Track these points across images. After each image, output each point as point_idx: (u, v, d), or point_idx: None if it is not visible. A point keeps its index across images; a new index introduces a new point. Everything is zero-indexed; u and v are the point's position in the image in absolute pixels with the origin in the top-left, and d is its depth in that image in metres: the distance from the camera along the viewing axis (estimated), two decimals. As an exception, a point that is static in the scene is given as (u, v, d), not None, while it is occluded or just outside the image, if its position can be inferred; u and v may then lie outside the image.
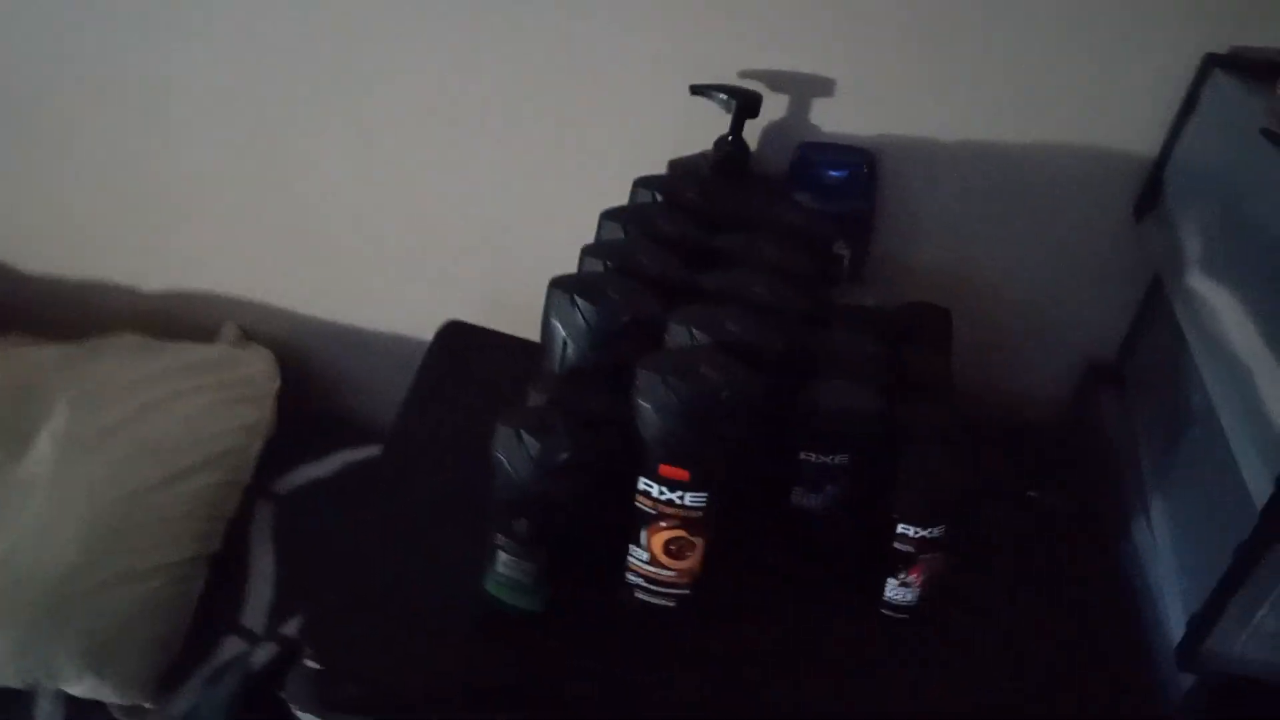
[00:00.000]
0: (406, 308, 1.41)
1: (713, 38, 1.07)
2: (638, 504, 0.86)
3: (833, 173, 1.06)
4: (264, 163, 1.31)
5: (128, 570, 1.09)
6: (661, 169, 1.11)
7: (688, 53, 1.08)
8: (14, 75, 1.29)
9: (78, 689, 1.05)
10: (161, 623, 1.10)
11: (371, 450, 1.35)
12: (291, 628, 1.15)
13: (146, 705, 1.08)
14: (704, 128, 1.08)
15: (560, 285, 0.90)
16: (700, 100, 1.06)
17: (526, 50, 1.13)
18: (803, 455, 0.95)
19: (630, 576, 0.91)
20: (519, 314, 1.28)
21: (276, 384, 1.36)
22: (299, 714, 0.92)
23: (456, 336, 1.24)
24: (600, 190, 1.15)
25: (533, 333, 1.26)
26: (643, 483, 0.84)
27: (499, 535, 0.89)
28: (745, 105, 1.02)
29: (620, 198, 1.06)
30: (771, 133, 1.10)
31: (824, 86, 1.07)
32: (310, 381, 1.46)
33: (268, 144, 1.29)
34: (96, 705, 1.08)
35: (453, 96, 1.20)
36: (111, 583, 1.08)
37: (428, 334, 1.37)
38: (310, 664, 0.89)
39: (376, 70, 1.20)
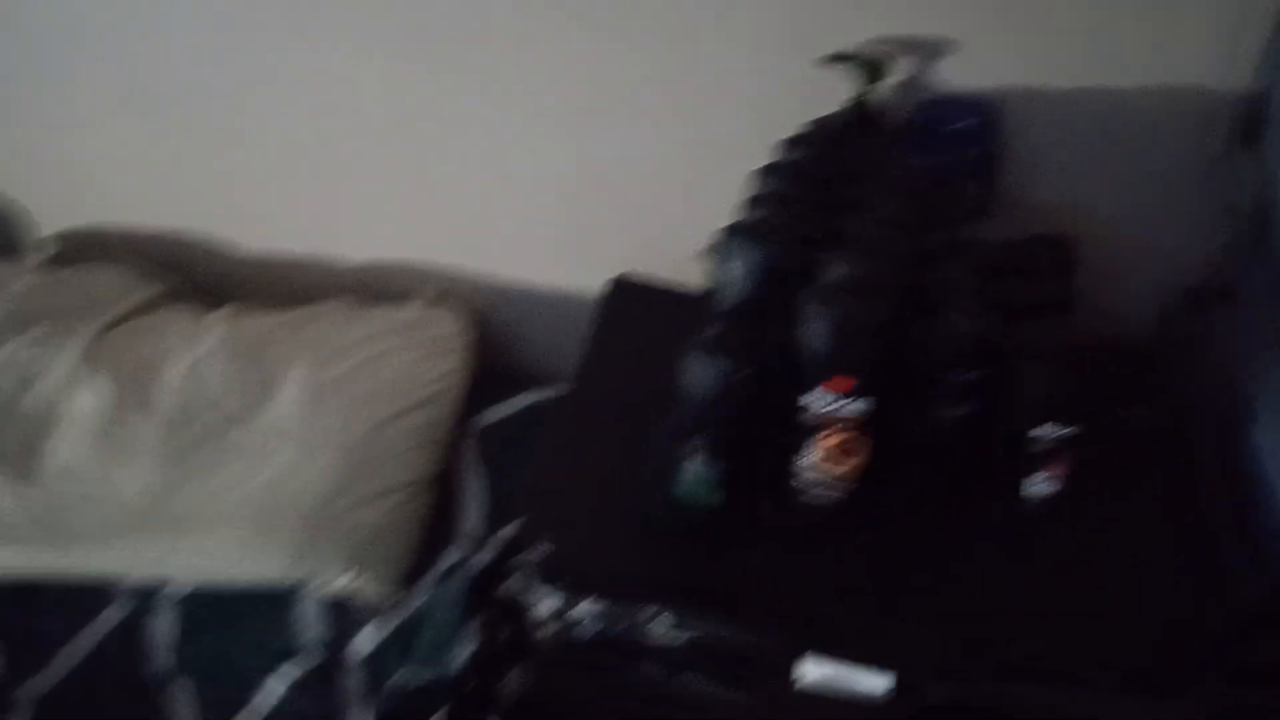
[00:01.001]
0: (570, 267, 1.58)
1: (840, 8, 1.19)
2: (806, 415, 1.03)
3: (958, 123, 1.19)
4: (433, 146, 1.47)
5: (373, 491, 1.32)
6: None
7: (819, 24, 1.20)
8: (221, 77, 1.46)
9: (338, 584, 1.28)
10: (402, 532, 1.33)
11: (551, 391, 1.54)
12: (506, 534, 1.34)
13: (392, 600, 1.30)
14: (836, 91, 1.22)
15: (729, 233, 1.07)
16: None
17: (675, 23, 1.25)
18: (940, 372, 1.10)
19: (797, 480, 1.08)
20: (675, 268, 1.46)
21: (467, 338, 1.56)
22: (529, 595, 1.12)
23: (623, 289, 1.42)
24: (745, 149, 1.31)
25: (690, 282, 1.44)
26: (813, 394, 1.01)
27: (686, 444, 1.07)
28: (874, 69, 1.16)
29: (759, 158, 1.21)
30: (899, 90, 1.22)
31: (945, 47, 1.19)
32: (495, 336, 1.65)
33: (440, 128, 1.44)
34: (343, 604, 1.30)
35: (605, 68, 1.32)
36: (361, 501, 1.31)
37: (594, 291, 1.56)
38: (543, 547, 1.10)
39: (534, 50, 1.33)
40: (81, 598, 1.32)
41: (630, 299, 1.41)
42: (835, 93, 1.19)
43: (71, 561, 1.31)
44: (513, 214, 1.53)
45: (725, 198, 1.28)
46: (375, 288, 1.64)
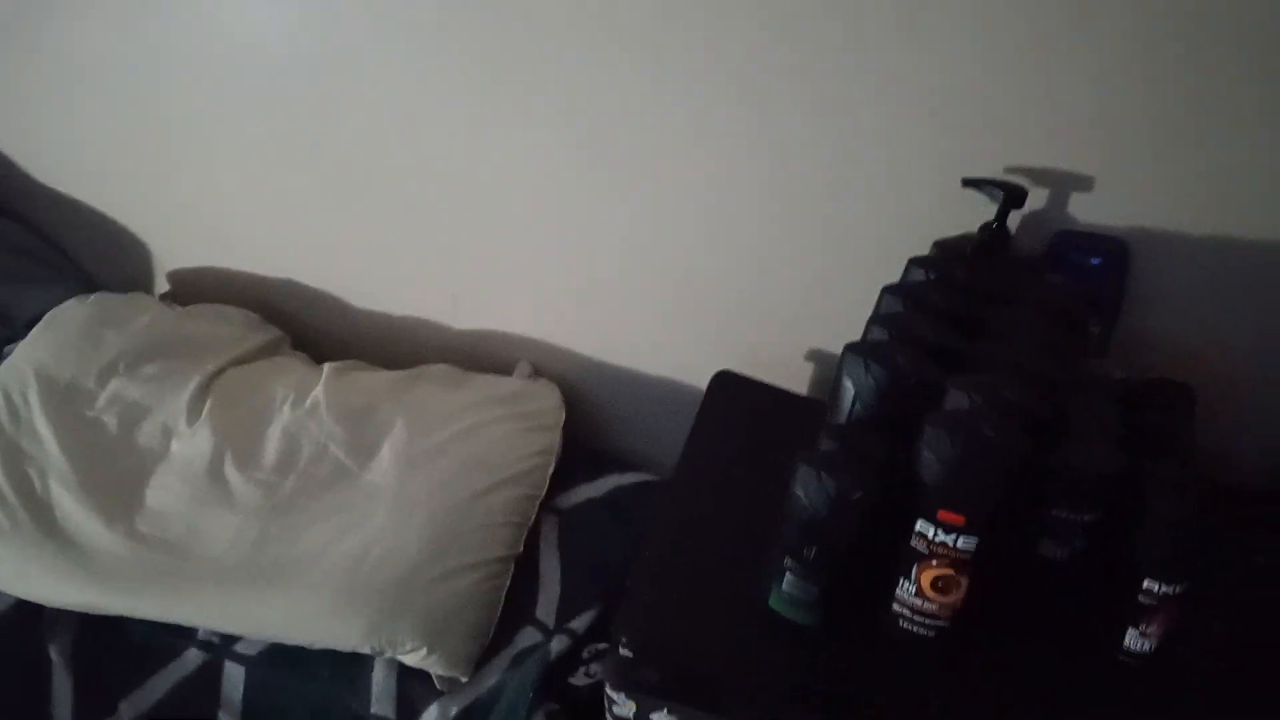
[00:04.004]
0: (673, 356, 1.58)
1: (980, 134, 1.19)
2: (913, 543, 1.00)
3: (1089, 259, 1.17)
4: (557, 221, 1.49)
5: (457, 566, 1.31)
6: (923, 249, 1.25)
7: (955, 147, 1.20)
8: (354, 139, 1.51)
9: (411, 659, 1.27)
10: (480, 611, 1.31)
11: (637, 476, 1.53)
12: (579, 624, 1.33)
13: (463, 679, 1.28)
14: (961, 213, 1.22)
15: (853, 349, 1.06)
16: (953, 186, 1.19)
17: (811, 138, 1.26)
18: (1054, 510, 1.07)
19: (896, 606, 1.05)
20: (775, 369, 1.46)
21: (563, 416, 1.56)
22: (609, 693, 1.10)
23: (727, 385, 1.41)
24: (864, 264, 1.31)
25: (788, 384, 1.43)
26: (920, 524, 0.98)
27: (788, 558, 1.05)
28: (1012, 197, 1.15)
29: (883, 273, 1.21)
30: (1030, 221, 1.22)
31: (1082, 181, 1.18)
32: (584, 413, 1.65)
33: (558, 206, 1.47)
34: (421, 674, 1.29)
35: (742, 167, 1.33)
36: (445, 575, 1.30)
37: (693, 379, 1.55)
38: (623, 651, 1.08)
39: (657, 142, 1.34)
40: (160, 640, 1.33)
41: (733, 395, 1.40)
42: (967, 217, 1.19)
43: (155, 604, 1.32)
44: (620, 296, 1.55)
45: (840, 308, 1.29)
46: (475, 355, 1.66)
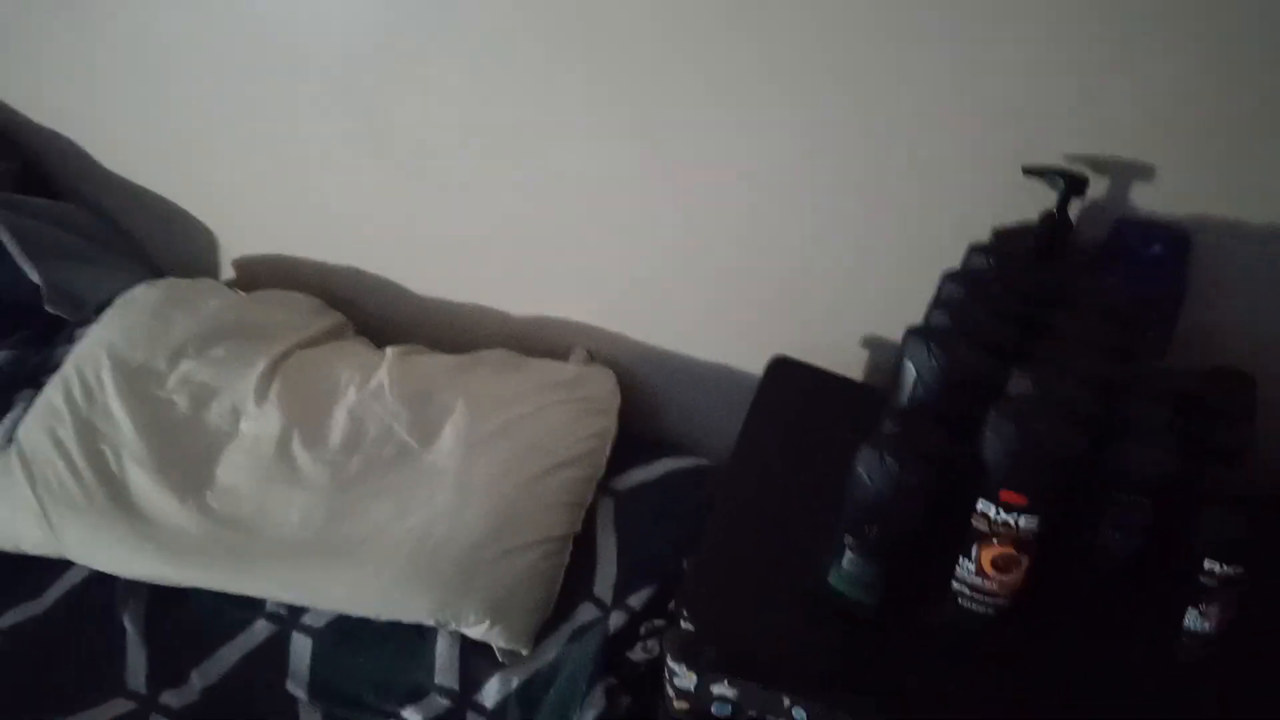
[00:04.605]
0: (727, 342, 1.60)
1: (1042, 121, 1.19)
2: (974, 522, 1.02)
3: (1149, 249, 1.18)
4: (612, 208, 1.50)
5: (519, 544, 1.35)
6: (983, 234, 1.26)
7: (1016, 135, 1.20)
8: (417, 131, 1.54)
9: (475, 632, 1.31)
10: (541, 586, 1.35)
11: (690, 461, 1.56)
12: (636, 601, 1.36)
13: (524, 651, 1.32)
14: (1022, 201, 1.23)
15: (917, 333, 1.07)
16: (1013, 173, 1.19)
17: (872, 124, 1.27)
18: (1114, 493, 1.08)
19: (956, 585, 1.07)
20: (830, 354, 1.47)
21: (618, 400, 1.59)
22: (671, 664, 1.13)
23: (783, 370, 1.43)
24: (920, 251, 1.32)
25: (844, 370, 1.45)
26: (982, 504, 1.00)
27: (849, 537, 1.07)
28: (1073, 186, 1.15)
29: (941, 260, 1.22)
30: (1090, 209, 1.22)
31: (1143, 171, 1.18)
32: (639, 398, 1.68)
33: (613, 193, 1.48)
34: (483, 647, 1.33)
35: (793, 158, 1.34)
36: (507, 553, 1.34)
37: (748, 365, 1.57)
38: (684, 625, 1.10)
39: (713, 129, 1.36)
40: (229, 612, 1.38)
41: (789, 380, 1.42)
42: (1028, 204, 1.20)
43: (224, 578, 1.37)
44: (675, 282, 1.56)
45: (897, 294, 1.30)
46: (532, 340, 1.69)
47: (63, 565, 1.42)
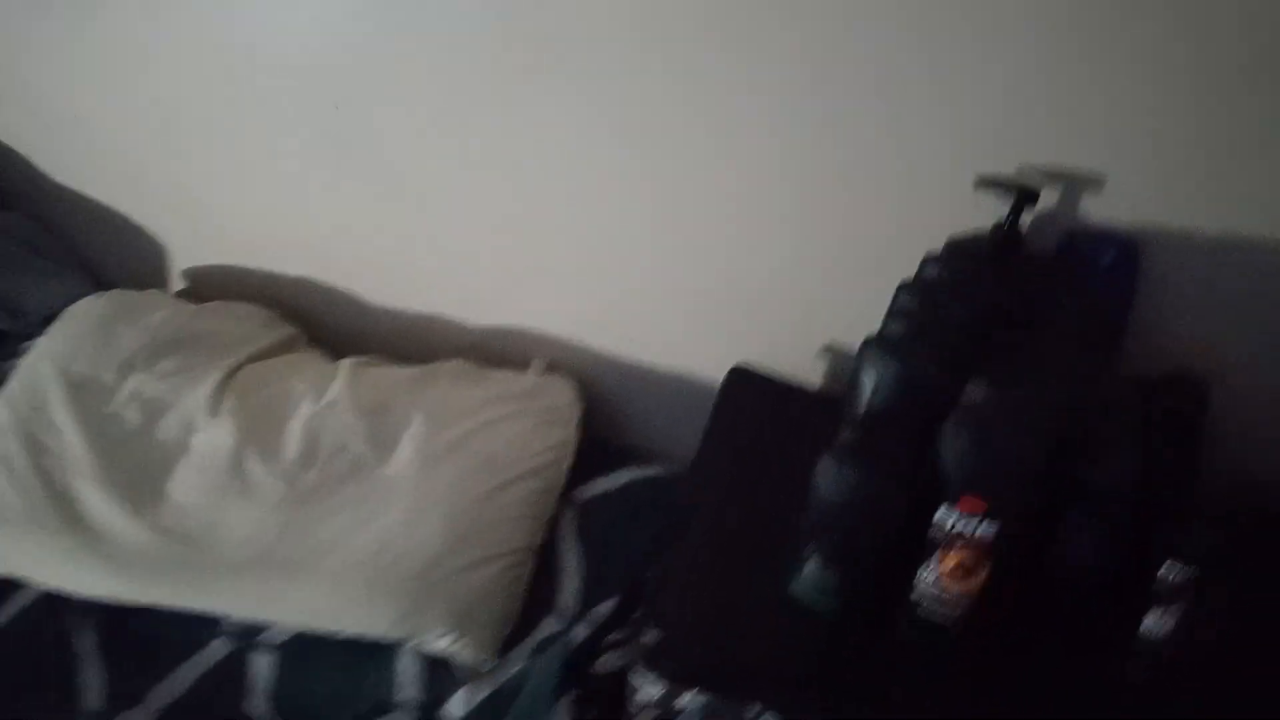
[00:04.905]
0: (688, 351, 1.60)
1: (992, 132, 1.21)
2: (934, 530, 1.03)
3: (1100, 258, 1.20)
4: (572, 220, 1.50)
5: (479, 557, 1.34)
6: (937, 245, 1.27)
7: (967, 145, 1.22)
8: (361, 138, 1.52)
9: (438, 645, 1.29)
10: (504, 599, 1.34)
11: (652, 470, 1.55)
12: (599, 612, 1.35)
13: (488, 666, 1.31)
14: (976, 210, 1.24)
15: (872, 344, 1.09)
16: (966, 183, 1.20)
17: (826, 134, 1.28)
18: (1072, 501, 1.10)
19: (916, 593, 1.09)
20: (790, 363, 1.49)
21: (579, 411, 1.58)
22: (632, 680, 1.13)
23: (742, 379, 1.45)
24: (879, 261, 1.33)
25: (804, 378, 1.46)
26: (941, 511, 1.02)
27: (810, 545, 1.08)
28: (1025, 197, 1.17)
29: (898, 270, 1.23)
30: (1041, 218, 1.24)
31: (1093, 180, 1.21)
32: (600, 408, 1.67)
33: (574, 204, 1.48)
34: (446, 662, 1.31)
35: (748, 166, 1.35)
36: (467, 565, 1.33)
37: (707, 374, 1.57)
38: (649, 636, 1.11)
39: (676, 141, 1.36)
40: (187, 630, 1.35)
41: (748, 389, 1.43)
42: (982, 213, 1.22)
43: (180, 594, 1.34)
44: (635, 292, 1.56)
45: (855, 303, 1.32)
46: (490, 350, 1.68)
47: (12, 586, 1.38)
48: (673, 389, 1.64)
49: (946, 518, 1.02)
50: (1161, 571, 1.05)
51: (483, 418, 1.49)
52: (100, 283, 1.77)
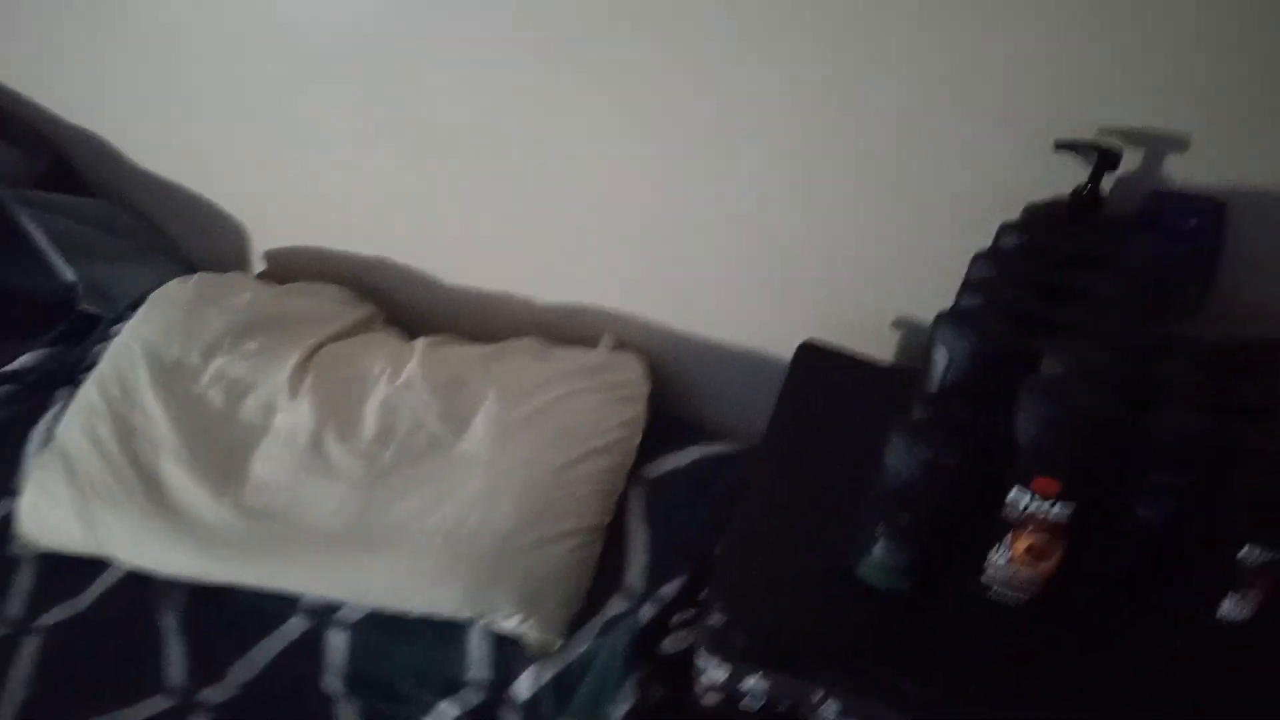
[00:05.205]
0: (757, 326, 1.58)
1: (1072, 94, 1.16)
2: (1007, 511, 1.00)
3: (1184, 221, 1.14)
4: (637, 195, 1.49)
5: (551, 534, 1.34)
6: (1014, 212, 1.23)
7: (1047, 108, 1.18)
8: (444, 118, 1.53)
9: (507, 625, 1.31)
10: (573, 578, 1.34)
11: (721, 447, 1.54)
12: (667, 591, 1.34)
13: (557, 645, 1.32)
14: (1055, 176, 1.20)
15: (946, 317, 1.05)
16: (1045, 148, 1.16)
17: (896, 98, 1.24)
18: (1149, 476, 1.05)
19: (988, 573, 1.05)
20: (861, 337, 1.45)
21: (648, 387, 1.58)
22: (699, 661, 1.12)
23: (812, 355, 1.42)
24: (952, 230, 1.29)
25: (875, 352, 1.43)
26: (1015, 491, 0.98)
27: (879, 525, 1.06)
28: (1106, 159, 1.12)
29: (975, 239, 1.20)
30: (1123, 182, 1.19)
31: (1177, 142, 1.15)
32: (668, 385, 1.67)
33: (638, 179, 1.47)
34: (513, 641, 1.32)
35: (817, 135, 1.32)
36: (539, 544, 1.33)
37: (776, 350, 1.55)
38: (715, 617, 1.10)
39: (736, 112, 1.34)
40: (265, 608, 1.39)
41: (819, 365, 1.40)
42: (1061, 179, 1.17)
43: (261, 573, 1.38)
44: (704, 267, 1.55)
45: (929, 275, 1.28)
46: (560, 328, 1.69)
47: (101, 564, 1.44)
48: (743, 365, 1.62)
49: (1020, 498, 0.98)
50: (1242, 554, 0.99)
51: (553, 394, 1.50)
52: (188, 267, 1.82)
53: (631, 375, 1.58)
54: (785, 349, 1.45)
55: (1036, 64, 1.16)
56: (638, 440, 1.51)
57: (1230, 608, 1.03)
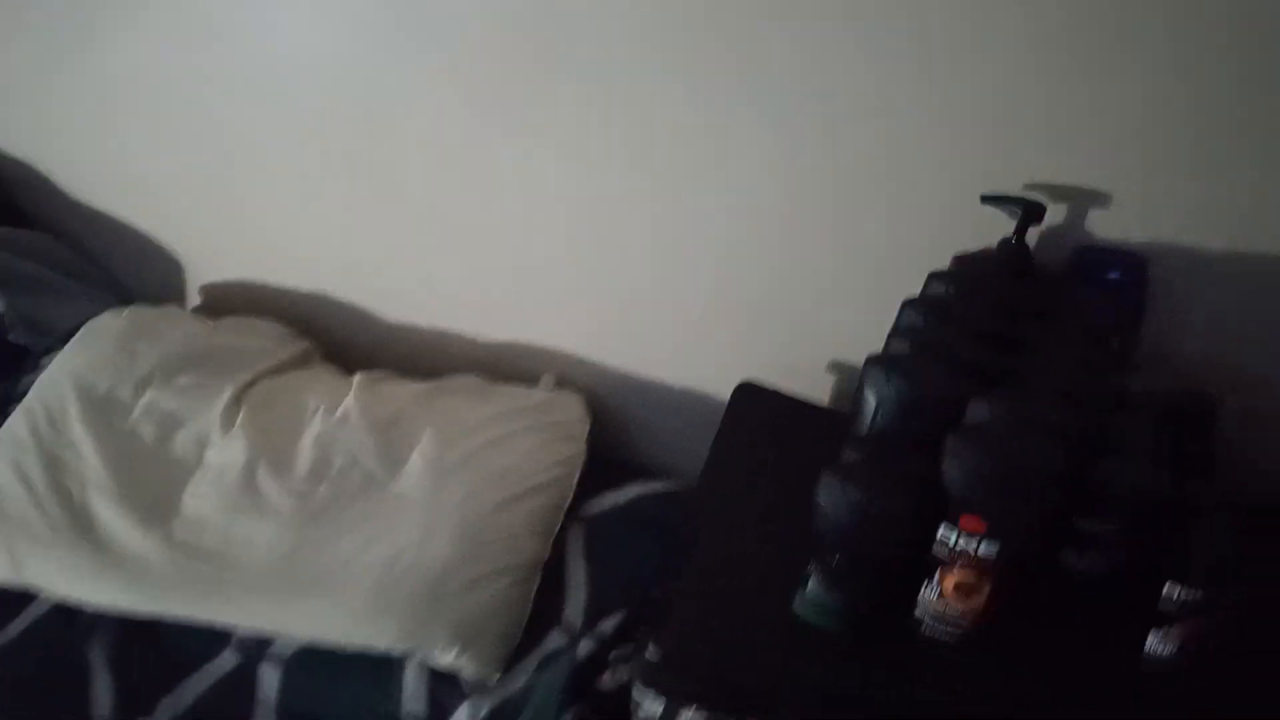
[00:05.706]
0: (696, 367, 1.60)
1: (998, 149, 1.20)
2: (935, 549, 1.03)
3: (1108, 275, 1.19)
4: (580, 236, 1.51)
5: (486, 571, 1.34)
6: (943, 262, 1.27)
7: (974, 162, 1.21)
8: (372, 155, 1.54)
9: (443, 660, 1.30)
10: (510, 614, 1.34)
11: (659, 485, 1.55)
12: (605, 628, 1.35)
13: (493, 680, 1.31)
14: (981, 227, 1.24)
15: (875, 361, 1.08)
16: (972, 200, 1.20)
17: (830, 152, 1.28)
18: (1078, 518, 1.09)
19: (919, 611, 1.08)
20: (797, 379, 1.48)
21: (588, 426, 1.59)
22: (635, 696, 1.13)
23: (749, 395, 1.44)
24: (883, 277, 1.33)
25: (811, 394, 1.45)
26: (943, 530, 1.01)
27: (812, 566, 1.08)
28: (1030, 213, 1.16)
29: (904, 287, 1.23)
30: (1049, 235, 1.23)
31: (1100, 197, 1.20)
32: (608, 423, 1.68)
33: (582, 220, 1.49)
34: (451, 676, 1.31)
35: (753, 183, 1.34)
36: (475, 581, 1.33)
37: (714, 390, 1.58)
38: (651, 653, 1.11)
39: (681, 157, 1.36)
40: (196, 643, 1.37)
41: (756, 405, 1.43)
42: (987, 230, 1.21)
43: (191, 608, 1.36)
44: (644, 309, 1.57)
45: (862, 320, 1.31)
46: (500, 366, 1.69)
47: (26, 598, 1.41)
48: (681, 405, 1.64)
49: (948, 535, 1.01)
50: (1165, 591, 1.03)
51: (492, 433, 1.50)
52: (122, 299, 1.80)
53: (572, 415, 1.59)
54: (724, 389, 1.47)
55: (964, 121, 1.20)
56: (576, 478, 1.52)
57: (1155, 645, 1.07)
